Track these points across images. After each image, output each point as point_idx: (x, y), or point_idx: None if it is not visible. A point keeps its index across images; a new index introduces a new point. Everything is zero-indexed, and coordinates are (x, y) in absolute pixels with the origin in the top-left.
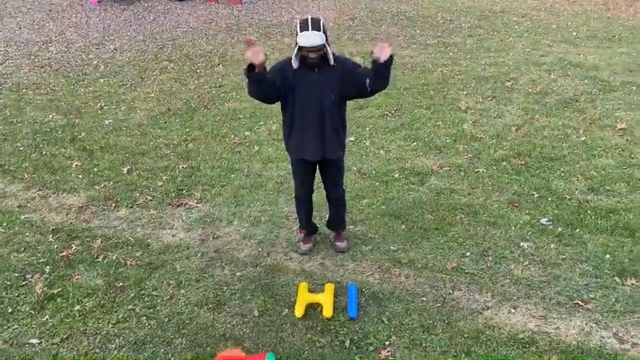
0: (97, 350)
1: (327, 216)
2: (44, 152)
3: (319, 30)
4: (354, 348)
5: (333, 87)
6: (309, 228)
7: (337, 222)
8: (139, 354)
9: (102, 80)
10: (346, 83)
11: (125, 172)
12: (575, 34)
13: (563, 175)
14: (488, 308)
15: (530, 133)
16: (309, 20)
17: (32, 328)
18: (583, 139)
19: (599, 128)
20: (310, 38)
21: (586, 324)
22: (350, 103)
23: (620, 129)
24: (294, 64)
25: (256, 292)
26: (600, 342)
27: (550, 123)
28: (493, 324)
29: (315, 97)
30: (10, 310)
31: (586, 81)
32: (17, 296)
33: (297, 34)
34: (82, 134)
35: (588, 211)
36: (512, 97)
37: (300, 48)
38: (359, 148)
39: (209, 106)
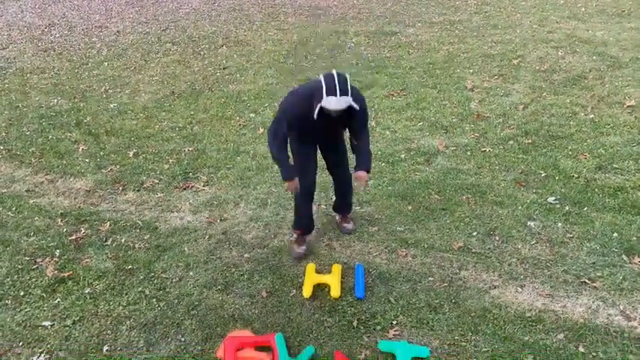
0: (109, 332)
1: (333, 199)
2: (50, 136)
3: (347, 94)
4: (362, 327)
5: (342, 125)
6: (309, 226)
7: (344, 207)
8: (150, 335)
9: (106, 64)
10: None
11: (131, 155)
12: (583, 9)
13: (570, 153)
14: (495, 287)
15: (538, 112)
16: (337, 83)
17: (44, 310)
18: (591, 116)
19: (607, 106)
20: (338, 104)
21: (593, 302)
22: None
23: (629, 106)
24: (315, 116)
25: (264, 273)
26: (607, 320)
27: (558, 101)
28: (500, 303)
29: (322, 133)
30: (22, 294)
31: (594, 57)
32: (29, 280)
33: (321, 94)
34: (88, 118)
35: (596, 190)
36: (519, 75)
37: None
38: None
39: (213, 88)
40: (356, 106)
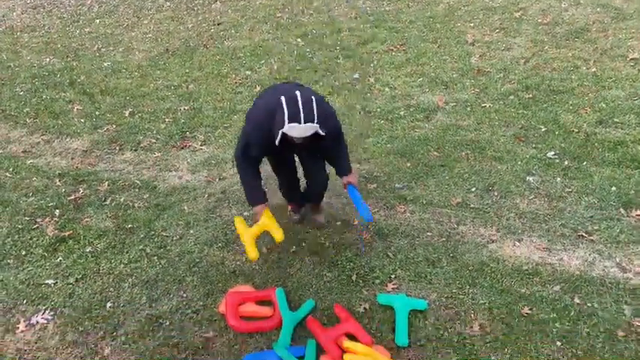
0: (111, 289)
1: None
2: (44, 97)
3: (313, 120)
4: (361, 281)
5: (313, 150)
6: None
7: (315, 198)
8: (152, 292)
9: (97, 21)
10: (323, 152)
11: (127, 115)
12: None
13: (571, 108)
14: (493, 242)
15: (539, 66)
16: (301, 110)
17: (47, 269)
18: (593, 70)
19: (610, 59)
20: (301, 131)
21: (589, 255)
22: (353, 39)
23: (632, 59)
24: (277, 142)
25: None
26: (603, 271)
27: (560, 55)
28: (498, 257)
29: (293, 150)
30: (24, 253)
31: (598, 9)
32: (30, 239)
33: (282, 120)
34: (81, 77)
35: (596, 144)
36: (520, 28)
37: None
38: (363, 85)
39: (208, 45)
40: (322, 132)
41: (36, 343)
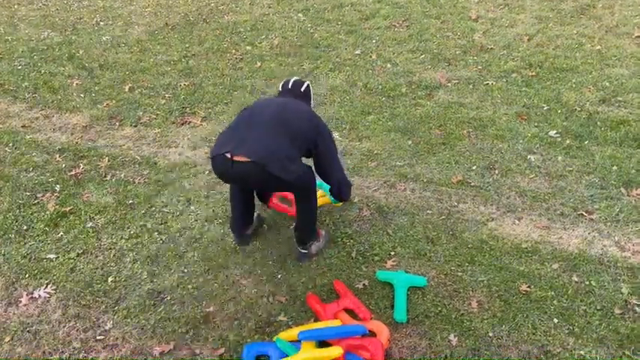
0: (113, 264)
1: None
2: (43, 71)
3: None
4: (360, 258)
5: None
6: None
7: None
8: (153, 267)
9: None
10: None
11: (127, 90)
12: None
13: (574, 86)
14: (492, 220)
15: (543, 43)
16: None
17: (48, 244)
18: (598, 48)
19: (615, 36)
20: None
21: (589, 233)
22: (355, 14)
23: (638, 37)
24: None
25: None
26: (602, 250)
27: (564, 32)
28: (497, 235)
29: None
30: (25, 228)
31: None
32: (31, 214)
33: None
34: (80, 52)
35: (598, 123)
36: (525, 4)
37: None
38: (365, 61)
39: (208, 20)
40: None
41: (39, 316)
